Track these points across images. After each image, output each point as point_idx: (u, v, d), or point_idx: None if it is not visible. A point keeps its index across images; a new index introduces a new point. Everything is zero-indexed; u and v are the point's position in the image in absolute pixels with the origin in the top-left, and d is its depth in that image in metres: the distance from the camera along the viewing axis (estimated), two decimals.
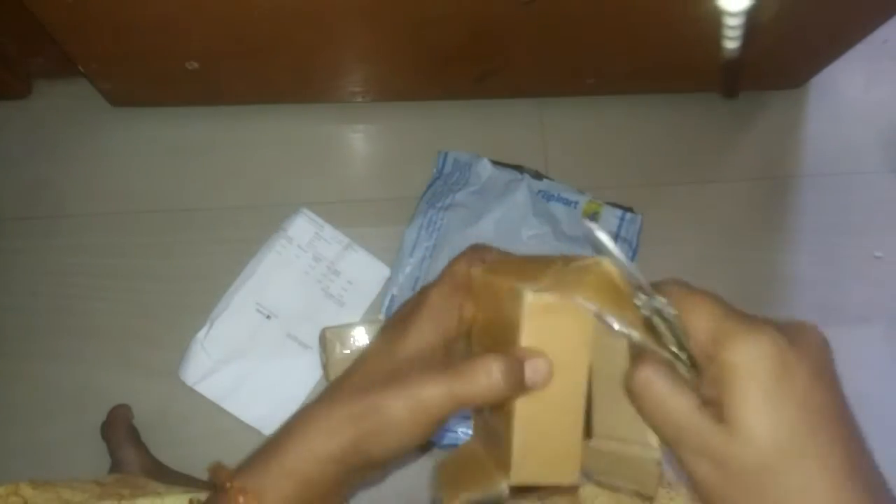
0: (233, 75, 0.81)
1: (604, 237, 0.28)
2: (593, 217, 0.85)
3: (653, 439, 0.31)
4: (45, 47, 0.76)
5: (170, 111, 0.87)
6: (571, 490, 0.54)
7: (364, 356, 0.34)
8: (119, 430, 0.74)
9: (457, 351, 0.35)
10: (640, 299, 0.29)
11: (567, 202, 0.85)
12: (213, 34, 0.71)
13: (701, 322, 0.27)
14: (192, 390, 0.77)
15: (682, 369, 0.28)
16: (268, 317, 0.79)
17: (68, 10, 0.64)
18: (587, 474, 0.35)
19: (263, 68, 0.79)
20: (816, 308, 0.89)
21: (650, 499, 0.43)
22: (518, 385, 0.30)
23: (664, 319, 0.28)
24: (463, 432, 0.73)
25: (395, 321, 0.35)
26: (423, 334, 0.33)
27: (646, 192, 0.89)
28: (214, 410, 0.77)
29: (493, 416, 0.33)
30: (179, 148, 0.87)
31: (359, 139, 0.90)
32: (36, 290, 0.81)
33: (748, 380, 0.26)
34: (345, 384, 0.33)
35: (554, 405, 0.31)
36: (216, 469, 0.32)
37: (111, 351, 0.79)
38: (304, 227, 0.82)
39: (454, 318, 0.34)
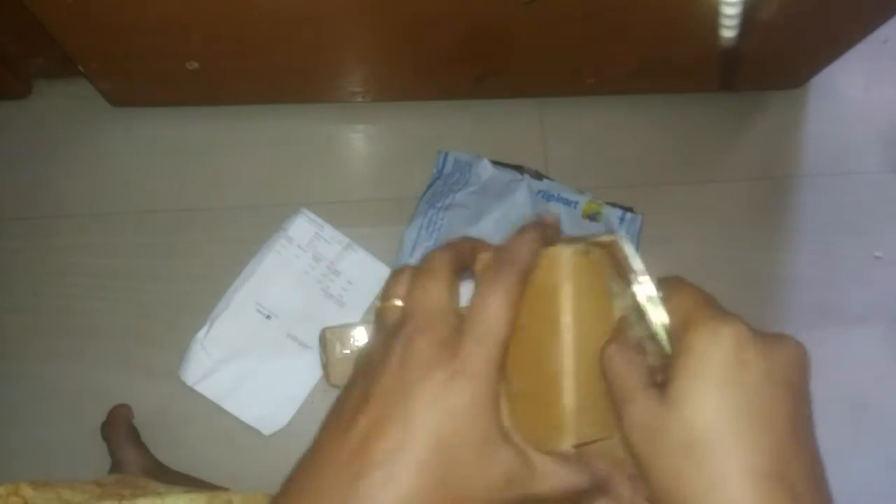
0: (233, 75, 0.81)
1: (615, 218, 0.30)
2: (594, 217, 0.85)
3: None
4: (45, 47, 0.76)
5: (170, 111, 0.87)
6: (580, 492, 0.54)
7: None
8: (119, 430, 0.74)
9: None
10: (638, 283, 0.29)
11: (567, 202, 0.85)
12: (213, 34, 0.71)
13: (680, 308, 0.28)
14: (192, 390, 0.77)
15: (657, 352, 0.29)
16: (268, 317, 0.79)
17: (68, 10, 0.64)
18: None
19: (263, 68, 0.79)
20: (816, 308, 0.89)
21: None
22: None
23: (653, 305, 0.29)
24: None
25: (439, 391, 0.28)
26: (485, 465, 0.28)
27: (646, 192, 0.89)
28: (214, 410, 0.77)
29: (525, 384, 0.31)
30: (179, 148, 0.87)
31: (359, 139, 0.90)
32: (36, 290, 0.81)
33: (698, 362, 0.26)
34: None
35: (591, 361, 0.30)
36: None
37: (111, 351, 0.79)
38: (304, 227, 0.82)
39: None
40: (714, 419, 0.25)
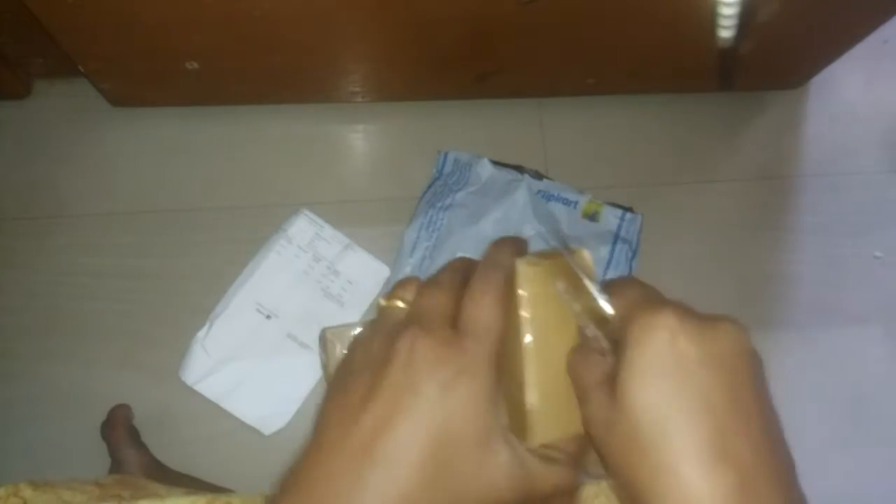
0: (233, 75, 0.81)
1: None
2: (593, 217, 0.85)
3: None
4: (45, 47, 0.76)
5: (170, 111, 0.87)
6: (570, 491, 0.54)
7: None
8: (119, 430, 0.74)
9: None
10: (585, 287, 0.31)
11: (567, 202, 0.85)
12: (213, 34, 0.71)
13: (621, 305, 0.30)
14: (192, 390, 0.77)
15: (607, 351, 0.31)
16: (268, 317, 0.79)
17: (68, 10, 0.64)
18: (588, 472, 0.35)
19: (263, 68, 0.79)
20: (816, 308, 0.89)
21: None
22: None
23: (597, 305, 0.31)
24: None
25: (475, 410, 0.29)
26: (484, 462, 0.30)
27: (646, 192, 0.89)
28: (214, 410, 0.77)
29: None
30: (179, 148, 0.87)
31: (359, 139, 0.90)
32: (35, 290, 0.81)
33: (634, 356, 0.27)
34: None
35: (554, 363, 0.32)
36: None
37: (111, 351, 0.79)
38: (303, 228, 0.82)
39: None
40: (655, 410, 0.26)
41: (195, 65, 0.76)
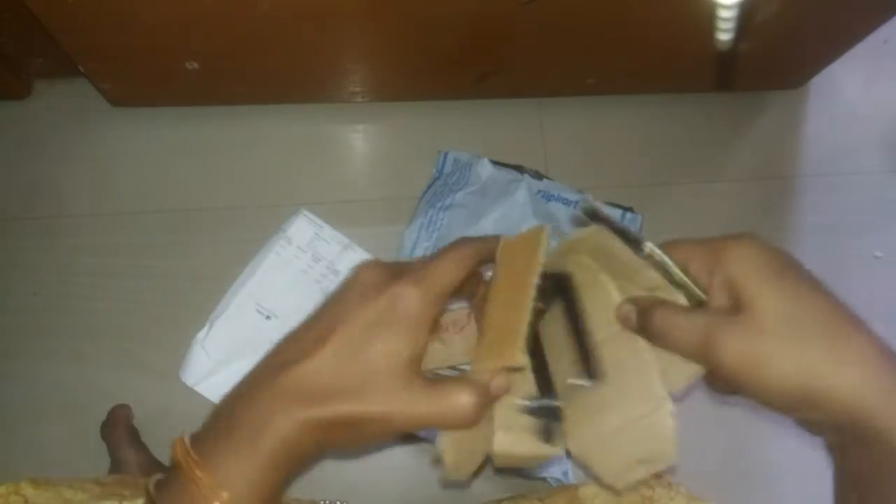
0: (233, 75, 0.81)
1: (599, 206, 0.37)
2: None
3: (660, 389, 0.35)
4: (45, 47, 0.76)
5: (170, 111, 0.87)
6: (571, 490, 0.54)
7: (326, 344, 0.33)
8: (119, 430, 0.74)
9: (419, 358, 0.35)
10: (641, 250, 0.36)
11: (567, 202, 0.85)
12: (213, 34, 0.71)
13: (686, 253, 0.37)
14: (192, 391, 0.77)
15: (684, 301, 0.36)
16: (268, 317, 0.79)
17: (68, 10, 0.64)
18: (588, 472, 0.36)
19: (263, 68, 0.79)
20: None
21: (664, 475, 0.50)
22: (484, 409, 0.34)
23: (659, 265, 0.36)
24: None
25: (362, 322, 0.33)
26: (397, 345, 0.33)
27: (646, 192, 0.89)
28: None
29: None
30: (179, 148, 0.87)
31: (359, 139, 0.90)
32: (35, 290, 0.81)
33: (755, 270, 0.33)
34: (305, 377, 0.33)
35: (506, 303, 0.37)
36: (181, 449, 0.33)
37: (111, 351, 0.79)
38: (303, 228, 0.82)
39: (427, 332, 0.34)
40: (791, 304, 0.34)
41: (195, 65, 0.76)
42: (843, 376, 0.32)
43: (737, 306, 0.33)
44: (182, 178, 0.86)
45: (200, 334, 0.78)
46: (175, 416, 0.78)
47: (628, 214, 0.85)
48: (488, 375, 0.34)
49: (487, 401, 0.34)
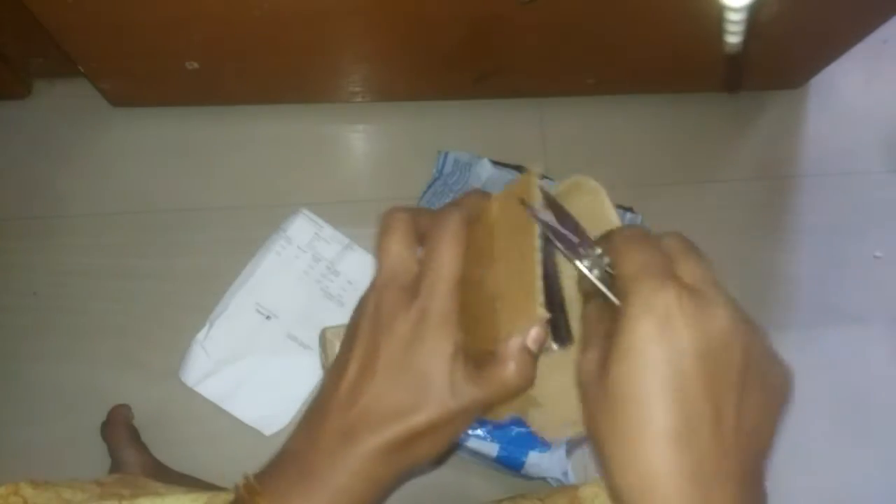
0: (233, 75, 0.81)
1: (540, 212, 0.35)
2: None
3: None
4: (45, 47, 0.76)
5: (170, 111, 0.87)
6: (571, 490, 0.54)
7: (375, 373, 0.34)
8: (119, 430, 0.74)
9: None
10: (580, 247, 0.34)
11: None
12: (213, 34, 0.71)
13: (624, 266, 0.32)
14: (192, 391, 0.77)
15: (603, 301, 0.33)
16: (268, 317, 0.79)
17: (68, 10, 0.64)
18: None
19: (263, 68, 0.79)
20: (816, 308, 0.89)
21: None
22: (533, 366, 0.34)
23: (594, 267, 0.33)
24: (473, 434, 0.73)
25: (400, 340, 0.34)
26: (438, 347, 0.34)
27: (646, 192, 0.89)
28: (214, 411, 0.77)
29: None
30: (179, 148, 0.87)
31: (359, 139, 0.90)
32: (35, 290, 0.81)
33: (630, 331, 0.29)
34: (366, 408, 0.34)
35: (513, 263, 0.36)
36: (247, 485, 0.35)
37: (111, 351, 0.79)
38: (303, 228, 0.82)
39: (457, 321, 0.35)
40: (636, 386, 0.28)
41: (195, 65, 0.76)
42: None
43: (607, 352, 0.30)
44: (182, 177, 0.86)
45: (200, 334, 0.78)
46: (175, 416, 0.78)
47: (628, 214, 0.85)
48: (520, 337, 0.34)
49: (532, 357, 0.34)
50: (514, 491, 0.68)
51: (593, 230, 0.36)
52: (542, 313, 0.34)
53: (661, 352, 0.28)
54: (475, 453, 0.73)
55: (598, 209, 0.38)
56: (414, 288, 0.35)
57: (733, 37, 0.38)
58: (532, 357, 0.34)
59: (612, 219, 0.38)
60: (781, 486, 0.85)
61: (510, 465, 0.73)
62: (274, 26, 0.69)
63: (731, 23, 0.37)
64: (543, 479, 0.74)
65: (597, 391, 0.30)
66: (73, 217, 0.84)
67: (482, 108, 0.90)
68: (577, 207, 0.38)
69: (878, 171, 0.95)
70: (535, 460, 0.72)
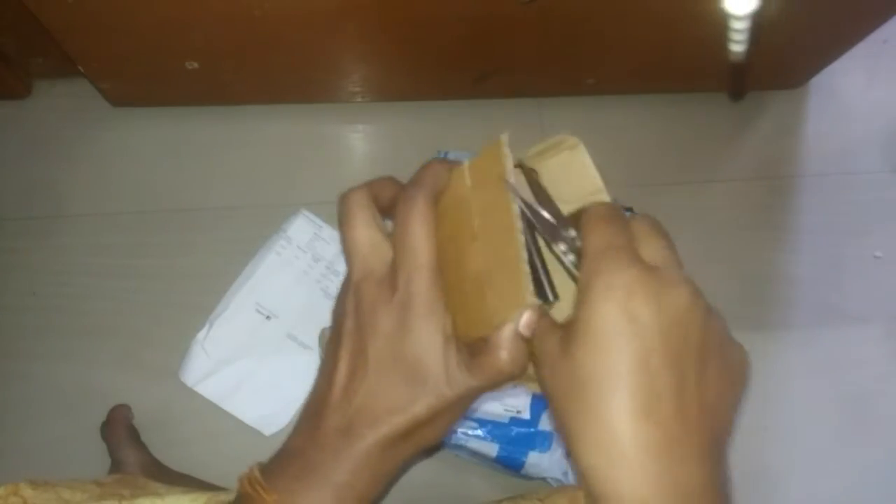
0: (233, 75, 0.81)
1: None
2: None
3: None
4: (45, 47, 0.76)
5: (170, 111, 0.87)
6: (571, 490, 0.54)
7: (367, 371, 0.34)
8: (119, 430, 0.74)
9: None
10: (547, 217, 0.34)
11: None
12: (213, 34, 0.71)
13: (589, 247, 0.31)
14: (192, 391, 0.77)
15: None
16: (268, 317, 0.79)
17: (68, 10, 0.64)
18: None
19: (263, 68, 0.79)
20: (816, 308, 0.89)
21: None
22: (526, 352, 0.34)
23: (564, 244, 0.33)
24: (463, 433, 0.73)
25: (386, 334, 0.34)
26: (428, 335, 0.33)
27: (646, 192, 0.89)
28: (214, 411, 0.77)
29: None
30: (179, 148, 0.87)
31: (359, 139, 0.90)
32: (35, 290, 0.81)
33: (590, 312, 0.29)
34: (363, 406, 0.34)
35: (494, 242, 0.35)
36: (251, 479, 0.35)
37: (111, 351, 0.79)
38: (303, 228, 0.82)
39: (444, 304, 0.34)
40: (599, 364, 0.29)
41: (195, 65, 0.76)
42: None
43: (565, 336, 0.30)
44: (181, 177, 0.86)
45: (200, 334, 0.78)
46: (175, 416, 0.78)
47: (628, 214, 0.85)
48: (512, 324, 0.34)
49: (525, 343, 0.34)
50: (514, 491, 0.68)
51: (574, 187, 0.37)
52: (532, 300, 0.33)
53: (623, 329, 0.28)
54: (475, 453, 0.73)
55: (577, 165, 0.38)
56: (391, 278, 0.34)
57: (737, 45, 0.38)
58: (524, 343, 0.34)
59: (592, 173, 0.38)
60: (782, 485, 0.85)
61: (510, 465, 0.73)
62: (274, 26, 0.69)
63: (736, 31, 0.37)
64: (543, 479, 0.74)
65: (560, 370, 0.30)
66: (73, 217, 0.84)
67: (482, 108, 0.90)
68: (556, 165, 0.38)
69: (878, 171, 0.95)
70: (535, 460, 0.72)
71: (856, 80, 0.98)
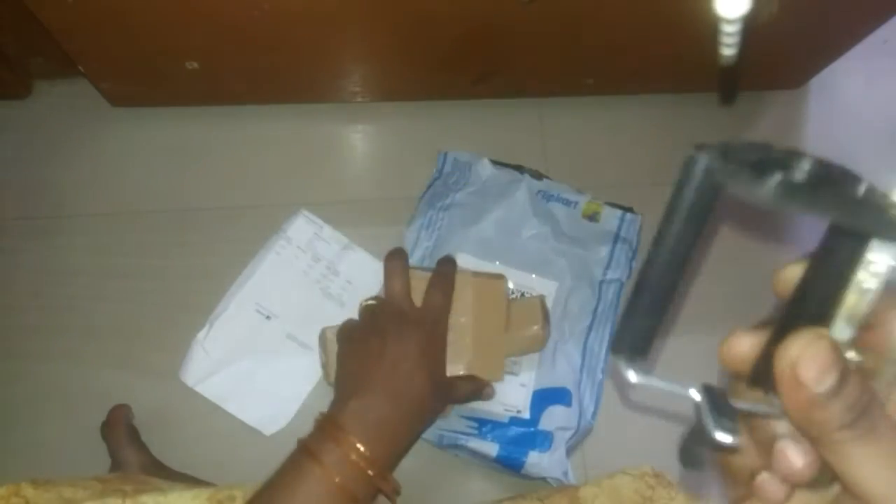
0: (233, 75, 0.81)
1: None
2: (593, 217, 0.85)
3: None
4: (45, 47, 0.76)
5: (170, 111, 0.87)
6: (571, 490, 0.54)
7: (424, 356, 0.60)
8: (119, 430, 0.74)
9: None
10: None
11: (567, 202, 0.85)
12: (213, 34, 0.71)
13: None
14: (192, 391, 0.77)
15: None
16: (268, 317, 0.79)
17: (68, 10, 0.64)
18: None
19: (263, 68, 0.79)
20: None
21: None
22: (478, 396, 0.71)
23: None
24: (462, 433, 0.73)
25: (435, 345, 0.63)
26: (437, 357, 0.63)
27: (646, 192, 0.89)
28: (214, 411, 0.77)
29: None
30: (179, 148, 0.87)
31: (359, 139, 0.90)
32: (36, 290, 0.81)
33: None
34: (434, 355, 0.63)
35: (487, 328, 0.67)
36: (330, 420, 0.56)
37: (111, 351, 0.79)
38: (303, 228, 0.82)
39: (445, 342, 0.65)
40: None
41: (195, 65, 0.76)
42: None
43: None
44: (182, 177, 0.86)
45: (200, 334, 0.78)
46: (175, 416, 0.78)
47: (628, 214, 0.85)
48: (482, 382, 0.69)
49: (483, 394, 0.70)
50: (514, 491, 0.68)
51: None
52: (502, 377, 0.69)
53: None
54: (475, 453, 0.73)
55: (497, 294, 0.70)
56: (404, 313, 0.62)
57: (728, 49, 0.38)
58: (481, 392, 0.69)
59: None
60: None
61: (510, 465, 0.73)
62: (274, 26, 0.69)
63: (727, 34, 0.37)
64: (543, 479, 0.74)
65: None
66: (73, 217, 0.84)
67: (482, 108, 0.90)
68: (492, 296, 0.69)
69: (878, 171, 0.95)
70: (535, 460, 0.72)
71: (856, 80, 0.98)
